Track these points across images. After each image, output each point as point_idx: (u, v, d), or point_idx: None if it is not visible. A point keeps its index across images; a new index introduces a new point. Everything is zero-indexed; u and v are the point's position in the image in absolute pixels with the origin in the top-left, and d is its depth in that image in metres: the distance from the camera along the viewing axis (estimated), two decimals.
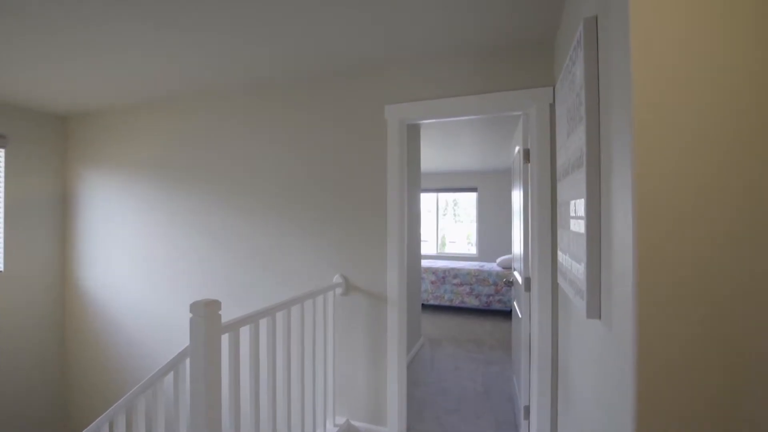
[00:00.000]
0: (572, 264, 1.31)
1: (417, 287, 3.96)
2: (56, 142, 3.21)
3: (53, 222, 3.19)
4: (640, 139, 0.79)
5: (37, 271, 3.07)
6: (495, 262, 6.67)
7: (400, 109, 2.24)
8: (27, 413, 2.99)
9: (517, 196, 2.56)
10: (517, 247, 2.53)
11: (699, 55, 0.76)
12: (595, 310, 1.09)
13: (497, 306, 5.21)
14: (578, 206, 1.21)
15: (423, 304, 5.74)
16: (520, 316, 2.36)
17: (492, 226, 7.02)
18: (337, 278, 2.36)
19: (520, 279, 2.37)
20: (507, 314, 5.38)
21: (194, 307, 1.32)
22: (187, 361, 1.63)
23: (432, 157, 5.68)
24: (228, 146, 2.68)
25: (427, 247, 7.66)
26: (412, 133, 3.77)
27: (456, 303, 5.41)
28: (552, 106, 1.98)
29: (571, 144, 1.32)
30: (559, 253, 1.63)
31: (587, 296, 1.10)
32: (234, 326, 1.46)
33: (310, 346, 2.09)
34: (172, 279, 2.85)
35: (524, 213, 2.16)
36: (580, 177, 1.19)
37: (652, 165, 0.78)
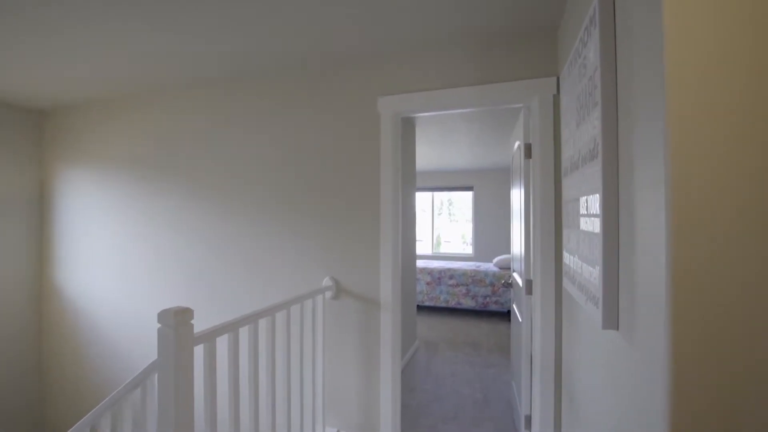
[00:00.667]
0: (583, 267, 1.19)
1: (412, 288, 3.84)
2: (33, 138, 3.04)
3: (29, 220, 3.02)
4: (676, 125, 0.67)
5: (11, 270, 2.91)
6: (491, 262, 6.56)
7: (394, 102, 2.11)
8: (1, 414, 2.83)
9: (516, 195, 2.44)
10: (517, 247, 2.41)
11: (746, 22, 0.63)
12: (611, 319, 0.97)
13: (494, 307, 5.10)
14: (591, 203, 1.09)
15: (418, 306, 5.62)
16: (520, 320, 2.24)
17: (488, 226, 6.91)
18: (326, 281, 2.22)
19: (520, 281, 2.25)
20: (504, 315, 5.27)
21: (163, 316, 1.18)
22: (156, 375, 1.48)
23: (427, 155, 5.55)
24: (212, 143, 2.54)
25: (423, 246, 7.54)
26: (407, 129, 3.64)
27: (452, 304, 5.29)
28: (556, 97, 1.85)
29: (582, 134, 1.19)
30: (565, 255, 1.51)
31: (603, 304, 0.97)
32: (209, 336, 1.32)
33: (297, 354, 1.96)
34: (153, 281, 2.70)
35: (525, 212, 2.03)
36: (593, 170, 1.06)
37: (692, 154, 0.65)
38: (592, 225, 1.08)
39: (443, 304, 5.33)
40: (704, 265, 0.64)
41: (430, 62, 2.06)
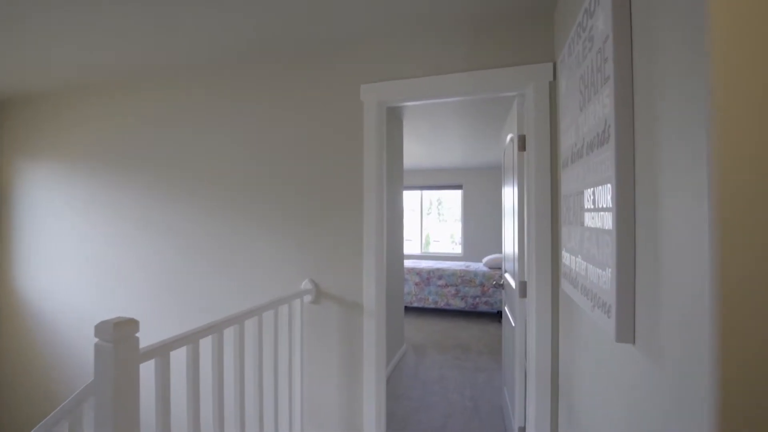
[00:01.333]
0: (588, 269, 1.04)
1: (399, 289, 3.68)
2: None
3: None
4: (722, 93, 0.52)
5: None
6: (481, 261, 6.46)
7: (379, 89, 1.95)
8: None
9: (509, 192, 2.30)
10: (510, 246, 2.27)
11: None
12: (626, 332, 0.82)
13: (484, 308, 4.98)
14: (600, 195, 0.94)
15: (406, 307, 5.48)
16: (513, 324, 2.10)
17: (477, 225, 6.80)
18: (305, 284, 2.05)
19: (513, 283, 2.11)
20: (494, 316, 5.15)
21: (101, 329, 1.00)
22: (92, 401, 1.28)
23: (416, 152, 5.41)
24: (180, 136, 2.34)
25: (411, 246, 7.40)
26: (394, 123, 3.49)
27: (441, 305, 5.15)
28: (552, 84, 1.71)
29: (588, 118, 1.05)
30: (565, 254, 1.37)
31: (617, 314, 0.83)
32: (161, 351, 1.14)
33: (271, 364, 1.78)
34: (119, 284, 2.48)
35: (519, 209, 1.89)
36: (602, 157, 0.91)
37: (748, 128, 0.51)
38: (601, 221, 0.93)
39: (432, 305, 5.19)
40: (765, 272, 0.49)
41: (418, 47, 1.90)
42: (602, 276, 0.92)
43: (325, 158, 2.05)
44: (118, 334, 0.99)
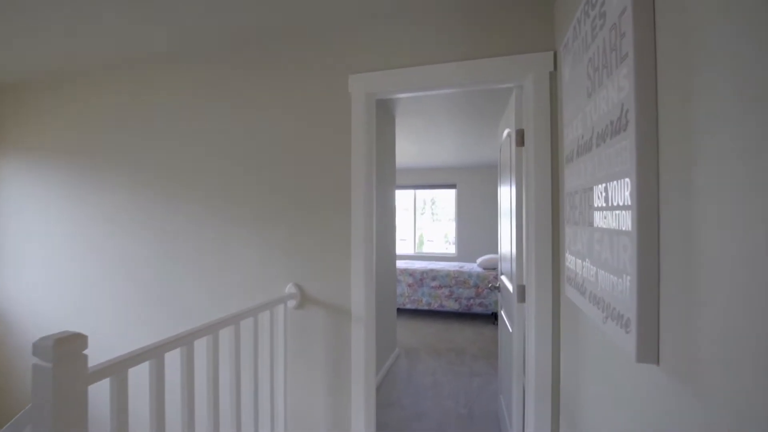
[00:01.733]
0: (599, 275, 0.93)
1: (392, 291, 3.56)
2: None
3: None
4: None
5: None
6: (475, 262, 6.36)
7: (368, 80, 1.82)
8: None
9: (506, 190, 2.19)
10: (507, 247, 2.16)
11: None
12: (649, 350, 0.71)
13: (478, 309, 4.88)
14: (614, 191, 0.82)
15: (399, 309, 5.36)
16: (510, 329, 1.99)
17: (472, 225, 6.71)
18: (290, 288, 1.92)
19: (510, 286, 1.99)
20: (488, 318, 5.05)
21: (39, 347, 0.86)
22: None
23: (409, 151, 5.29)
24: (154, 131, 2.19)
25: (405, 246, 7.29)
26: (386, 120, 3.37)
27: (434, 307, 5.04)
28: (553, 75, 1.60)
29: (598, 105, 0.93)
30: (569, 258, 1.25)
31: (638, 328, 0.71)
32: (115, 369, 1.01)
33: (250, 375, 1.65)
34: (85, 289, 2.33)
35: (517, 208, 1.78)
36: (618, 147, 0.80)
37: None
38: (616, 220, 0.81)
39: (425, 307, 5.07)
40: None
41: (409, 35, 1.78)
42: (618, 284, 0.80)
43: (310, 154, 1.92)
44: (60, 353, 0.86)
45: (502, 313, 2.31)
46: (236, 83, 2.04)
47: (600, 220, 0.92)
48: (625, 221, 0.76)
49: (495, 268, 5.12)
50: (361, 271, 1.82)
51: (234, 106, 2.04)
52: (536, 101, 1.62)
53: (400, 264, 5.62)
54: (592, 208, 0.99)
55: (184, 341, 1.25)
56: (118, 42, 1.98)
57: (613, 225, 0.83)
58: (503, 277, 2.29)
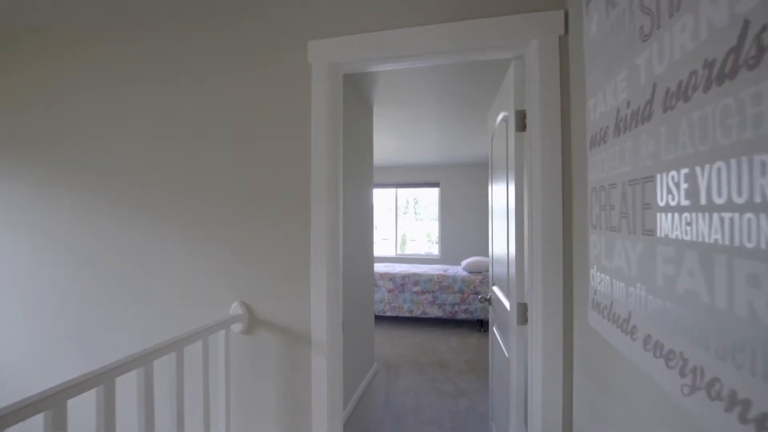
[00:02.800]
0: (668, 312, 0.59)
1: (369, 299, 3.20)
2: None
3: None
4: None
5: None
6: (460, 265, 6.05)
7: (333, 47, 1.45)
8: None
9: (500, 188, 1.86)
10: (502, 254, 1.82)
11: None
12: None
13: (463, 316, 4.56)
14: (722, 180, 0.48)
15: (379, 317, 5.00)
16: (506, 354, 1.65)
17: (456, 225, 6.41)
18: (235, 308, 1.53)
19: (506, 302, 1.66)
20: (473, 325, 4.75)
21: None
22: None
23: (389, 147, 4.94)
24: (68, 110, 1.76)
25: (387, 247, 6.94)
26: (364, 110, 3.00)
27: (417, 313, 4.70)
28: (564, 40, 1.27)
29: (669, 45, 0.59)
30: (598, 276, 0.91)
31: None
32: None
33: (173, 421, 1.25)
34: None
35: (517, 208, 1.44)
36: (728, 102, 0.45)
37: None
38: (725, 231, 0.47)
39: (407, 314, 4.73)
40: None
41: None
42: (736, 343, 0.46)
43: (260, 142, 1.53)
44: None
45: (495, 330, 1.97)
46: (171, 57, 1.63)
47: (672, 226, 0.58)
48: (756, 232, 0.42)
49: (481, 272, 4.82)
50: (323, 286, 1.45)
51: (165, 86, 1.63)
52: (542, 74, 1.28)
53: (380, 268, 5.26)
54: (651, 207, 0.65)
55: (91, 382, 0.86)
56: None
57: (718, 238, 0.48)
58: (496, 289, 1.96)
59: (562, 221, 1.25)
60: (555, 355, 1.25)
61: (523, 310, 1.42)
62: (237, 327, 1.53)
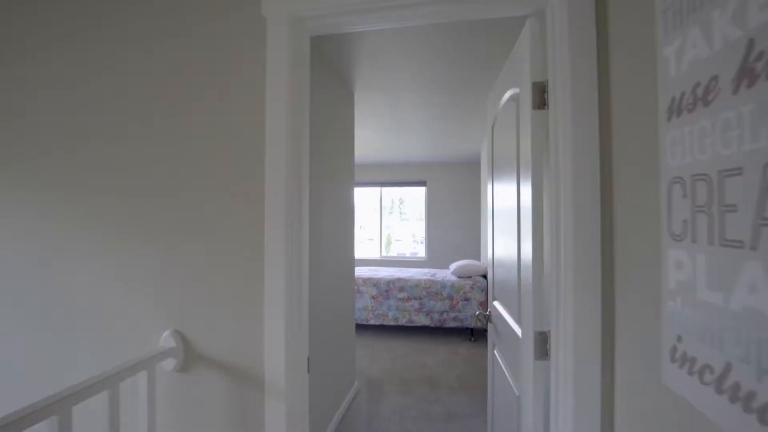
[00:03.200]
0: None
1: (349, 308, 2.85)
2: None
3: None
4: None
5: None
6: (448, 269, 5.75)
7: None
8: None
9: (504, 185, 1.54)
10: (505, 260, 1.50)
11: None
12: None
13: (452, 324, 4.25)
14: None
15: (361, 325, 4.65)
16: (516, 392, 1.33)
17: (443, 226, 6.11)
18: (165, 339, 1.16)
19: (515, 327, 1.33)
20: (463, 333, 4.45)
21: None
22: None
23: (373, 143, 4.60)
24: None
25: (371, 248, 6.60)
26: (344, 98, 2.64)
27: (403, 322, 4.37)
28: None
29: None
30: (686, 313, 0.59)
31: None
32: None
33: None
34: None
35: (535, 205, 1.11)
36: None
37: None
38: None
39: (392, 323, 4.39)
40: None
41: None
42: None
43: (199, 121, 1.17)
44: None
45: (498, 356, 1.65)
46: (93, 13, 1.26)
47: None
48: None
49: (471, 277, 4.51)
50: (280, 311, 1.10)
51: (77, 47, 1.25)
52: (572, 30, 0.96)
53: (363, 272, 4.91)
54: None
55: None
56: None
57: None
58: (498, 305, 1.64)
59: (600, 229, 0.93)
60: (593, 414, 0.93)
61: (542, 340, 1.09)
62: (169, 364, 1.16)
